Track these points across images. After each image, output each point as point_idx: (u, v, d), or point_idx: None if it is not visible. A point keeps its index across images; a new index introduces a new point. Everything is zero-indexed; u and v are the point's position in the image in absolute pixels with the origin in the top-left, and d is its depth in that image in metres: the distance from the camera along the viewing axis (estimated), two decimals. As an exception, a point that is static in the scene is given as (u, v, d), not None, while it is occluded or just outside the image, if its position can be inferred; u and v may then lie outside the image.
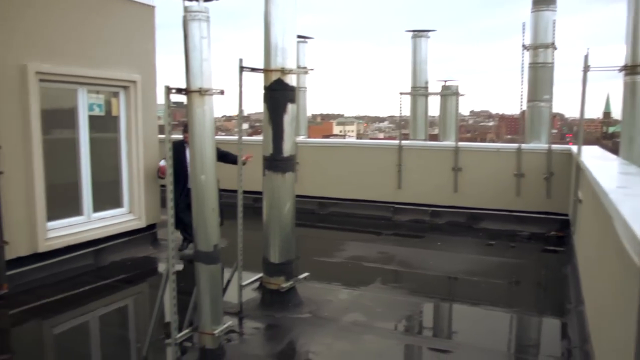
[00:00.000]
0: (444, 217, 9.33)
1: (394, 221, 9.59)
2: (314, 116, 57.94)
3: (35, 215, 5.94)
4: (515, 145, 8.95)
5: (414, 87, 10.51)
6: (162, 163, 6.96)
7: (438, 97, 10.48)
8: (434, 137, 11.34)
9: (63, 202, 6.51)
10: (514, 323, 5.39)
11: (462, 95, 9.75)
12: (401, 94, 9.91)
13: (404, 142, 9.76)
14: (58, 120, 6.53)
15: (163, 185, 7.80)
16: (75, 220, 6.61)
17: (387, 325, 5.11)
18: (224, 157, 6.69)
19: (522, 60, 8.84)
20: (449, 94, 10.07)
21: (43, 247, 6.05)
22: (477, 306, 5.64)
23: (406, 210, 9.61)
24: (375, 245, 8.03)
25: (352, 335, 4.81)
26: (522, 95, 8.93)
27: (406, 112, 10.45)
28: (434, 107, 10.77)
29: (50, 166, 6.16)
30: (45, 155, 6.05)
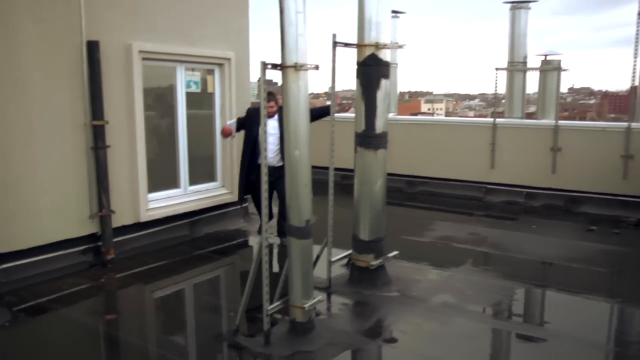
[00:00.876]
0: (540, 199, 8.87)
1: (485, 202, 9.26)
2: (402, 94, 56.28)
3: (137, 187, 6.29)
4: (624, 124, 8.28)
5: (511, 62, 9.98)
6: (229, 123, 6.74)
7: (537, 73, 9.89)
8: (529, 116, 10.78)
9: (162, 175, 6.84)
10: (614, 314, 5.05)
11: (564, 70, 9.12)
12: (497, 69, 9.45)
13: (498, 120, 9.34)
14: (158, 97, 6.83)
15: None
16: (173, 193, 6.94)
17: (478, 309, 4.97)
18: (321, 113, 6.04)
19: (637, 30, 8.08)
20: (550, 69, 9.45)
21: (144, 217, 6.41)
22: (574, 294, 5.32)
23: (499, 191, 9.24)
24: (466, 226, 7.80)
25: (441, 317, 4.72)
26: (634, 69, 8.21)
27: (501, 89, 9.96)
28: (532, 83, 10.20)
29: (150, 141, 6.48)
30: (147, 130, 6.37)
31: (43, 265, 5.51)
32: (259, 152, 5.76)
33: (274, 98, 6.17)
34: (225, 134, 6.62)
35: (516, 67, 9.97)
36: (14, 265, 5.29)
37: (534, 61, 10.12)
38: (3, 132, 5.12)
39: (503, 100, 10.25)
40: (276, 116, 6.22)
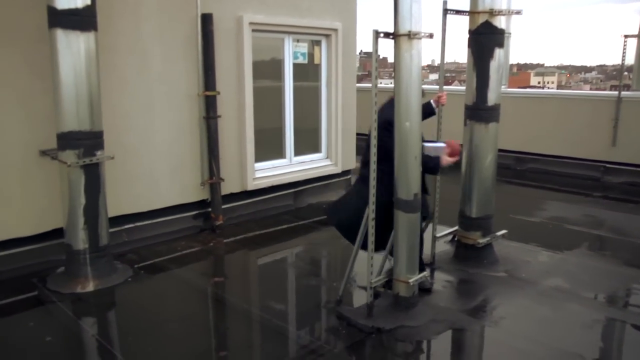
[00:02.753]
0: (669, 181, 8.08)
1: (603, 182, 8.60)
2: (510, 66, 53.39)
3: (245, 157, 6.49)
4: None
5: (643, 29, 9.04)
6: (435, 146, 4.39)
7: (671, 41, 8.89)
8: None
9: (268, 146, 7.00)
10: None
11: None
12: (626, 36, 8.61)
13: (624, 93, 8.54)
14: (266, 68, 6.95)
15: (360, 134, 7.98)
16: (278, 163, 7.10)
17: (595, 296, 4.64)
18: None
19: None
20: (689, 36, 8.47)
21: (251, 185, 6.62)
22: None
23: (620, 171, 8.53)
24: (581, 207, 7.29)
25: (553, 302, 4.46)
26: None
27: (629, 59, 9.07)
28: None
29: (258, 112, 6.63)
30: (255, 101, 6.52)
31: (159, 227, 5.88)
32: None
33: None
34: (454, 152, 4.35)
35: (647, 34, 9.01)
36: (134, 226, 5.69)
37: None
38: (127, 100, 5.46)
39: (625, 72, 9.34)
40: None
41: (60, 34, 4.31)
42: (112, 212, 5.11)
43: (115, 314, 4.53)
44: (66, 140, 4.50)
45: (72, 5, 4.27)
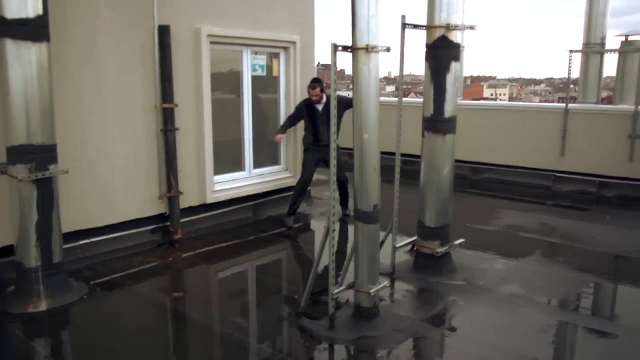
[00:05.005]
0: (614, 189, 8.44)
1: (554, 191, 8.91)
2: (464, 78, 54.83)
3: (204, 169, 6.42)
4: None
5: (587, 44, 9.48)
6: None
7: (614, 56, 9.35)
8: (603, 101, 10.22)
9: (227, 158, 6.96)
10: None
11: (646, 52, 8.59)
12: (571, 51, 8.99)
13: (571, 105, 8.90)
14: (225, 80, 6.92)
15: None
16: (237, 175, 7.06)
17: (550, 301, 4.79)
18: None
19: None
20: (631, 50, 8.91)
21: (210, 198, 6.55)
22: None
23: (569, 180, 8.86)
24: (534, 215, 7.53)
25: (510, 307, 4.58)
26: None
27: (575, 72, 9.47)
28: (608, 66, 9.65)
29: (217, 124, 6.58)
30: (214, 113, 6.47)
31: (116, 242, 5.74)
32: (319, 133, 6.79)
33: (321, 85, 6.80)
34: (277, 141, 7.01)
35: (593, 49, 9.45)
36: (90, 242, 5.53)
37: (612, 42, 9.58)
38: (82, 112, 5.33)
39: (571, 85, 9.75)
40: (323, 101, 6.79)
41: (10, 45, 4.17)
42: (67, 227, 4.96)
43: (69, 333, 4.38)
44: (17, 154, 4.35)
45: (22, 15, 4.15)
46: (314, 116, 6.81)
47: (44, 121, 4.38)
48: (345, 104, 6.36)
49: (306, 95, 6.91)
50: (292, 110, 7.24)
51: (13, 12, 4.12)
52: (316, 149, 6.81)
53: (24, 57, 4.21)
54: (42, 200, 4.46)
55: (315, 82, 6.80)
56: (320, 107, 6.79)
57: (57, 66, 4.75)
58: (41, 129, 4.36)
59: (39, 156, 4.39)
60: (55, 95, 4.56)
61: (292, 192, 6.98)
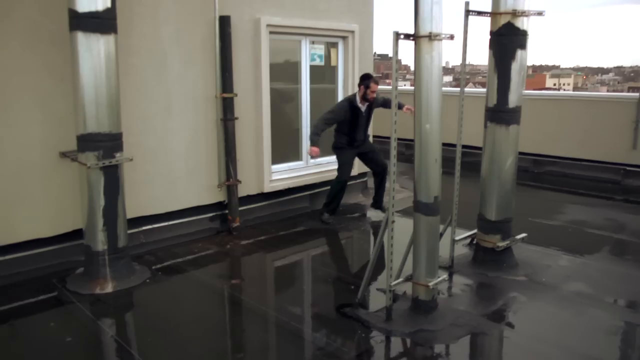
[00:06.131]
0: (691, 185, 7.94)
1: (623, 185, 8.48)
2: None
3: (262, 159, 6.49)
4: None
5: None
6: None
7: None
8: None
9: (285, 148, 7.00)
10: None
11: None
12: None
13: (645, 94, 8.41)
14: (283, 70, 6.95)
15: (377, 136, 7.94)
16: (295, 165, 7.10)
17: (617, 301, 4.57)
18: (386, 104, 6.53)
19: None
20: None
21: (268, 187, 6.62)
22: None
23: (641, 174, 8.40)
24: (601, 210, 7.19)
25: (574, 306, 4.39)
26: None
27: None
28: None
29: (275, 114, 6.63)
30: (272, 103, 6.52)
31: (176, 229, 5.90)
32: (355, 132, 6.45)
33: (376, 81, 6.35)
34: (314, 154, 6.29)
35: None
36: (152, 228, 5.72)
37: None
38: (145, 102, 5.49)
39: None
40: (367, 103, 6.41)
41: (81, 37, 4.33)
42: (130, 213, 5.13)
43: (133, 315, 4.55)
44: (86, 142, 4.53)
45: (92, 8, 4.30)
46: (356, 118, 6.34)
47: (111, 111, 4.54)
48: (380, 103, 6.47)
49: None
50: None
51: (84, 5, 4.28)
52: (351, 147, 6.53)
53: (94, 49, 4.37)
54: (108, 187, 4.63)
55: (371, 79, 6.25)
56: (364, 108, 6.37)
57: (123, 57, 4.90)
58: (108, 118, 4.52)
59: (106, 144, 4.56)
60: (121, 85, 4.71)
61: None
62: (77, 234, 5.01)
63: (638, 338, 4.15)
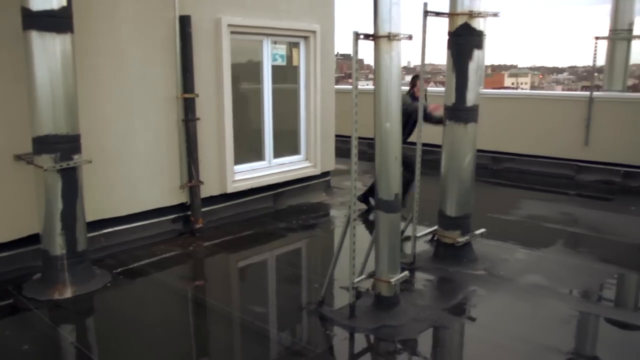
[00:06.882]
0: (640, 179, 8.29)
1: (576, 180, 8.78)
2: (485, 67, 53.33)
3: (225, 159, 6.46)
4: None
5: (613, 30, 9.24)
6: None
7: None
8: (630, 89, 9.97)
9: (248, 148, 6.99)
10: None
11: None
12: (597, 38, 8.81)
13: (596, 93, 8.73)
14: (245, 70, 6.93)
15: (339, 135, 8.00)
16: (258, 165, 7.08)
17: (572, 292, 4.73)
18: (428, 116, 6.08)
19: None
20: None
21: (231, 188, 6.59)
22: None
23: (593, 170, 8.72)
24: (556, 205, 7.44)
25: (531, 297, 4.54)
26: None
27: (600, 60, 9.25)
28: (636, 53, 9.40)
29: (237, 114, 6.60)
30: (234, 103, 6.49)
31: (138, 231, 5.82)
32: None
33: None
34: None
35: (620, 36, 9.21)
36: (113, 231, 5.62)
37: (641, 28, 9.28)
38: (104, 103, 5.39)
39: (596, 74, 9.55)
40: None
41: (36, 36, 4.23)
42: (90, 216, 5.04)
43: (94, 320, 4.46)
44: (42, 144, 4.42)
45: (47, 7, 4.20)
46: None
47: (69, 111, 4.45)
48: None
49: (328, 85, 6.79)
50: (311, 100, 7.23)
51: (38, 4, 4.18)
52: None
53: (49, 48, 4.27)
54: (66, 190, 4.53)
55: (417, 78, 6.19)
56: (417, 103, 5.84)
57: (81, 57, 4.81)
58: (65, 119, 4.43)
59: (64, 146, 4.46)
60: (79, 86, 4.62)
61: (311, 182, 6.90)
62: (33, 238, 4.88)
63: (590, 326, 4.32)
